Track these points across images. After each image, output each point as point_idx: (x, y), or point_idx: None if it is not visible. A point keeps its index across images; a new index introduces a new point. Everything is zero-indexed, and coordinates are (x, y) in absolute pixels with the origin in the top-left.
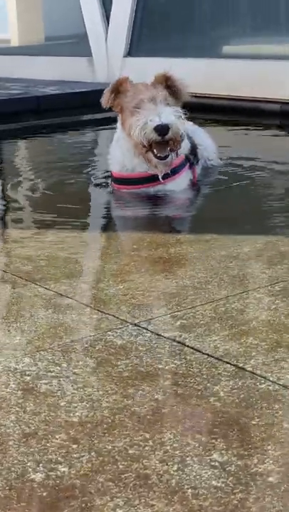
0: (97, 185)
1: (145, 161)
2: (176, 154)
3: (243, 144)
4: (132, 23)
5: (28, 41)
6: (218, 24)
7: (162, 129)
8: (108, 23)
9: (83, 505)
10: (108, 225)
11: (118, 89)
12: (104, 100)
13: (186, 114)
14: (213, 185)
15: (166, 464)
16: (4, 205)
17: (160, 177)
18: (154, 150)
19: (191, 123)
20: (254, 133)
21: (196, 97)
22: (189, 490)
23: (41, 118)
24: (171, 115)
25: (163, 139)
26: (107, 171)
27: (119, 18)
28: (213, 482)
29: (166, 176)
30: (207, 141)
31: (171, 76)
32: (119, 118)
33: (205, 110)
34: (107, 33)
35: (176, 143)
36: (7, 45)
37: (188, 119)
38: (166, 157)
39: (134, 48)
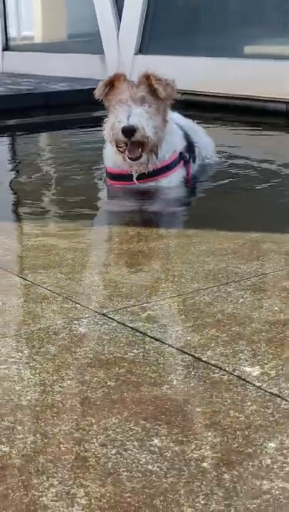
0: (95, 180)
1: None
2: (156, 155)
3: (250, 143)
4: (143, 21)
5: (49, 39)
6: (229, 24)
7: (128, 131)
8: (120, 21)
9: (19, 483)
10: (96, 219)
11: (113, 83)
12: (98, 92)
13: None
14: (207, 182)
15: (106, 448)
16: None
17: (134, 178)
18: (126, 151)
19: (189, 120)
20: (257, 132)
21: (205, 95)
22: (124, 473)
23: (50, 114)
24: (139, 117)
25: (130, 140)
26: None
27: (130, 16)
28: (149, 466)
29: (145, 176)
30: (205, 138)
31: (151, 75)
32: None
33: (217, 109)
34: (118, 30)
35: (148, 145)
36: (29, 42)
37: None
38: (136, 158)
39: (145, 46)
